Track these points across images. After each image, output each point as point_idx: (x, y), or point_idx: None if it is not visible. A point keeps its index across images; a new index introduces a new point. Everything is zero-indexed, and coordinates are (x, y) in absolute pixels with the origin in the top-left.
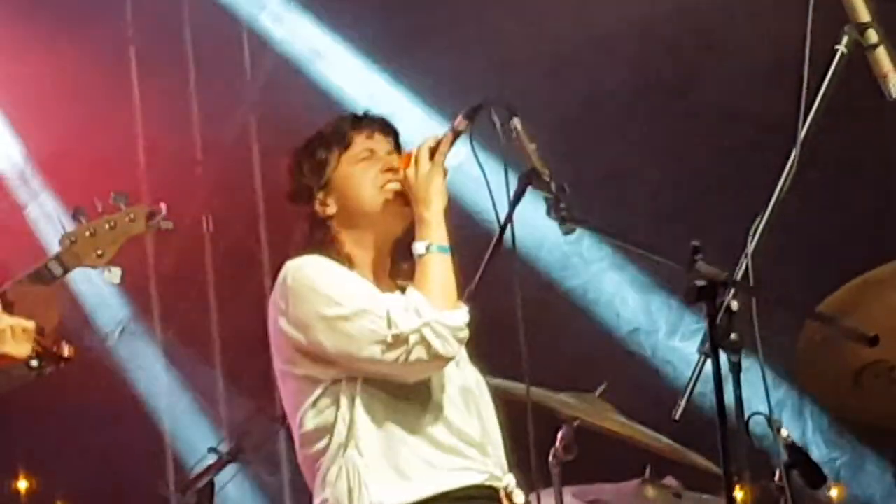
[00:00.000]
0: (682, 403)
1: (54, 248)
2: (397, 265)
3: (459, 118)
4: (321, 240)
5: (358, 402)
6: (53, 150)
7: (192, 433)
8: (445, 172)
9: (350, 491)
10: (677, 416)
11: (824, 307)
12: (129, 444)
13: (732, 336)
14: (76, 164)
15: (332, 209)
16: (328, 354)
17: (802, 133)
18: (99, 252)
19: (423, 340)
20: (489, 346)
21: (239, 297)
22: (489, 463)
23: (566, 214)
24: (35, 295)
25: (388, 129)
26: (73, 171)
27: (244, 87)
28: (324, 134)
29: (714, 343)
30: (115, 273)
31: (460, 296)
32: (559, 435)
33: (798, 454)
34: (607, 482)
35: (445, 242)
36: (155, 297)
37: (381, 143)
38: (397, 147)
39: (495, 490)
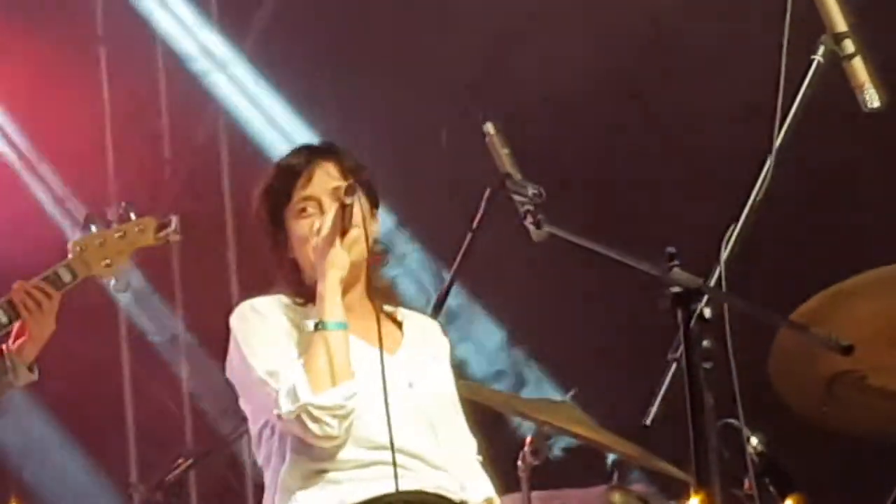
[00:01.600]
0: (653, 409)
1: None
2: (373, 284)
3: (342, 194)
4: (286, 273)
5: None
6: (24, 148)
7: (161, 433)
8: (354, 238)
9: None
10: (648, 422)
11: (797, 316)
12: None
13: (705, 343)
14: (46, 162)
15: (292, 253)
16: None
17: (777, 141)
18: (107, 262)
19: (301, 424)
20: None
21: (205, 299)
22: (440, 476)
23: (540, 219)
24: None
25: (327, 157)
26: (43, 168)
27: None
28: (273, 185)
29: (687, 350)
30: (122, 284)
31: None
32: (527, 439)
33: (768, 463)
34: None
35: (337, 318)
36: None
37: (320, 181)
38: (343, 170)
39: (446, 500)
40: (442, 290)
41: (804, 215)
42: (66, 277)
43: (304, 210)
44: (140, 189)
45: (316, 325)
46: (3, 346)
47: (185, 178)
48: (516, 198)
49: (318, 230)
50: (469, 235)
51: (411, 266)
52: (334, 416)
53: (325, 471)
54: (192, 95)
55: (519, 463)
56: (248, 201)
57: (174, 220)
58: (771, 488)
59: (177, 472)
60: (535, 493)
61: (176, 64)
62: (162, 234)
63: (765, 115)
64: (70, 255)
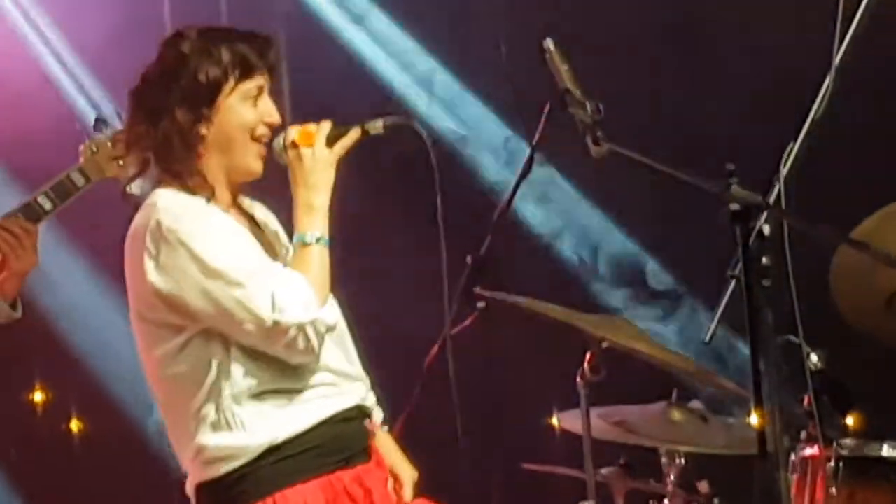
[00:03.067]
0: (713, 327)
1: None
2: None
3: (378, 122)
4: (185, 163)
5: (233, 349)
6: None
7: None
8: (338, 166)
9: (231, 439)
10: (708, 339)
11: (857, 233)
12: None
13: (764, 260)
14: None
15: (205, 132)
16: (198, 317)
17: (837, 59)
18: (120, 162)
19: (304, 336)
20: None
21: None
22: (357, 387)
23: (599, 136)
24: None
25: (277, 62)
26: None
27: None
28: (232, 49)
29: (746, 267)
30: (138, 186)
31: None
32: (586, 356)
33: (828, 380)
34: (634, 404)
35: (327, 236)
36: None
37: (266, 78)
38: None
39: (364, 409)
40: (503, 203)
41: (864, 133)
42: (79, 181)
43: (256, 97)
44: None
45: (317, 240)
46: None
47: None
48: (576, 114)
49: (316, 139)
50: (529, 151)
51: None
52: (326, 334)
53: (284, 389)
54: None
55: (578, 379)
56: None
57: None
58: (830, 405)
59: None
60: (594, 410)
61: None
62: None
63: (823, 32)
64: (82, 159)
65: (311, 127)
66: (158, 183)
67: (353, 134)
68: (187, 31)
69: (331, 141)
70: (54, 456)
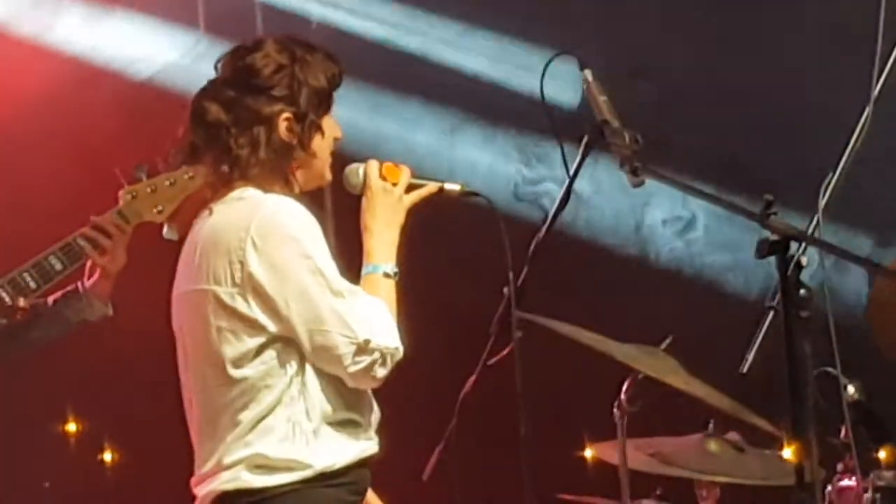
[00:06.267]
0: (750, 357)
1: None
2: None
3: (456, 186)
4: (279, 171)
5: (307, 364)
6: None
7: None
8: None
9: (294, 450)
10: (745, 370)
11: (894, 264)
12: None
13: (802, 291)
14: None
15: (297, 147)
16: (286, 319)
17: (876, 90)
18: (159, 208)
19: (384, 363)
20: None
21: None
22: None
23: (638, 166)
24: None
25: None
26: None
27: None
28: (328, 62)
29: (785, 298)
30: (174, 230)
31: None
32: (624, 386)
33: (864, 412)
34: (671, 436)
35: None
36: None
37: None
38: None
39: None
40: (540, 234)
41: None
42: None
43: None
44: None
45: (395, 273)
46: (78, 284)
47: None
48: (614, 145)
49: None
50: (567, 182)
51: None
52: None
53: (353, 420)
54: None
55: (615, 410)
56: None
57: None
58: (866, 436)
59: None
60: (630, 441)
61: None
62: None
63: (864, 62)
64: (121, 203)
65: (392, 165)
66: (230, 187)
67: (431, 188)
68: (275, 41)
69: (408, 188)
70: (88, 487)
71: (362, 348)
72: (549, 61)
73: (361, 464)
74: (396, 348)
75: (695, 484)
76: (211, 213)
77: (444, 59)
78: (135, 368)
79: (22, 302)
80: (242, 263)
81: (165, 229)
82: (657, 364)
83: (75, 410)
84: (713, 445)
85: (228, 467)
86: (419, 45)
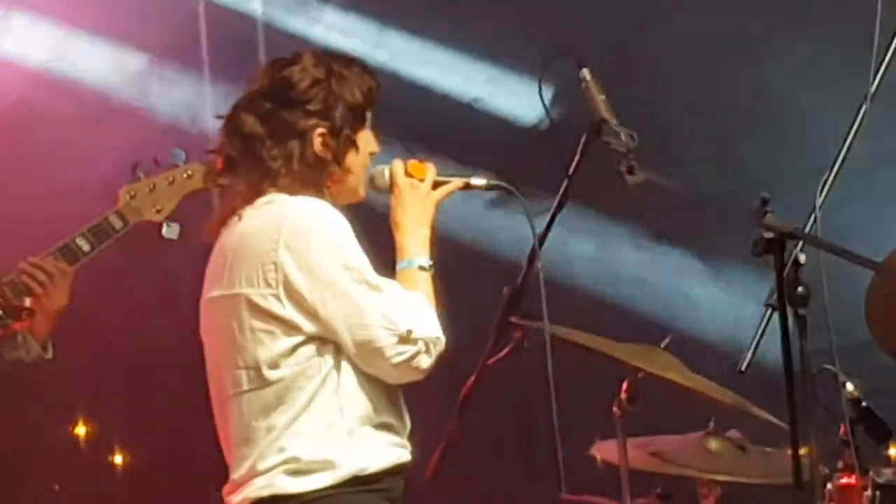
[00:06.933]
0: (749, 356)
1: None
2: None
3: (482, 179)
4: (315, 186)
5: (343, 363)
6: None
7: None
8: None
9: (327, 450)
10: (743, 368)
11: (890, 259)
12: (188, 389)
13: (799, 289)
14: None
15: (332, 162)
16: (321, 315)
17: (873, 87)
18: (158, 207)
19: (428, 352)
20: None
21: None
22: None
23: (633, 165)
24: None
25: None
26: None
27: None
28: (365, 76)
29: (781, 296)
30: (174, 228)
31: None
32: (623, 386)
33: (864, 410)
34: (671, 434)
35: None
36: None
37: None
38: None
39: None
40: (540, 234)
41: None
42: (118, 224)
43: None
44: None
45: (431, 266)
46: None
47: None
48: (611, 143)
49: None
50: (565, 182)
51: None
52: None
53: (388, 424)
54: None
55: (614, 409)
56: None
57: (220, 163)
58: (866, 434)
59: None
60: (630, 440)
61: None
62: (210, 178)
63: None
64: (120, 203)
65: (417, 163)
66: (260, 195)
67: (457, 183)
68: (313, 54)
69: (434, 184)
70: (98, 489)
71: (404, 339)
72: (548, 64)
73: (395, 471)
74: (438, 338)
75: (696, 483)
76: (240, 218)
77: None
78: (146, 370)
79: None
80: (276, 265)
81: (164, 228)
82: (657, 361)
83: (85, 412)
84: (714, 444)
85: (262, 473)
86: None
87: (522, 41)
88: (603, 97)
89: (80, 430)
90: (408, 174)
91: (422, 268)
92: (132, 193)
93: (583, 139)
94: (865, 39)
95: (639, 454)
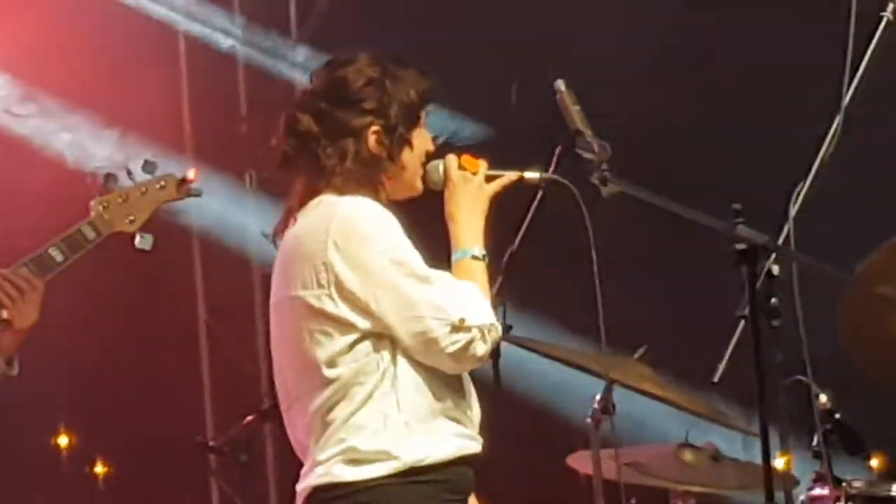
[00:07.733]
0: (721, 367)
1: None
2: None
3: (536, 173)
4: (370, 185)
5: (400, 357)
6: (100, 101)
7: (235, 388)
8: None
9: (385, 441)
10: (716, 380)
11: (864, 269)
12: (168, 400)
13: (773, 301)
14: (121, 120)
15: (386, 160)
16: (378, 314)
17: (846, 99)
18: (131, 218)
19: (483, 339)
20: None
21: None
22: (476, 434)
23: (606, 176)
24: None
25: None
26: (117, 125)
27: (289, 45)
28: (420, 77)
29: (753, 307)
30: (147, 239)
31: None
32: (596, 396)
33: (836, 420)
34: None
35: None
36: (197, 250)
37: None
38: None
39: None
40: (513, 247)
41: (870, 172)
42: (91, 235)
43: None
44: (215, 145)
45: (484, 256)
46: None
47: (260, 135)
48: (584, 154)
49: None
50: (539, 193)
51: None
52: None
53: (448, 414)
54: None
55: (588, 420)
56: None
57: (192, 174)
58: (839, 444)
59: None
60: (604, 451)
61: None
62: (184, 188)
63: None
64: (92, 213)
65: (469, 157)
66: (314, 197)
67: (511, 176)
68: (368, 55)
69: (487, 178)
70: (79, 500)
71: (457, 327)
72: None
73: (460, 461)
74: (493, 324)
75: (670, 493)
76: (295, 221)
77: None
78: (127, 381)
79: None
80: (326, 265)
81: (138, 239)
82: (632, 373)
83: (67, 424)
84: (688, 455)
85: (322, 462)
86: None
87: None
88: (577, 108)
89: (63, 440)
90: (461, 168)
91: (475, 257)
92: (105, 204)
93: (557, 150)
94: (838, 49)
95: (613, 465)
